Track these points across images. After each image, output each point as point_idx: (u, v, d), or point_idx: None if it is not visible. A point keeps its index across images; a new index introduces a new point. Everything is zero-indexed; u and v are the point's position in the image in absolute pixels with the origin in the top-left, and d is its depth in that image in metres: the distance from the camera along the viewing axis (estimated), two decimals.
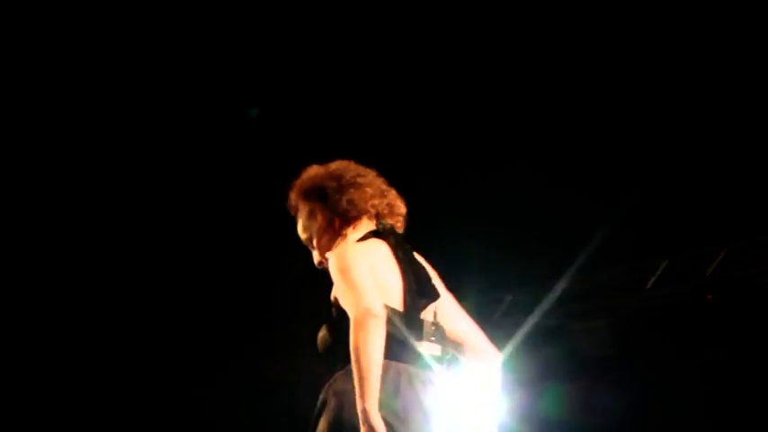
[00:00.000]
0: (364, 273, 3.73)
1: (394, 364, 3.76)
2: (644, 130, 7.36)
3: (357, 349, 3.58)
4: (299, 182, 4.04)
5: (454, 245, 7.89)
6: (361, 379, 3.57)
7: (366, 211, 3.97)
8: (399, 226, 4.07)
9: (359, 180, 3.99)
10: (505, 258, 8.32)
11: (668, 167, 7.50)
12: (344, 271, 3.74)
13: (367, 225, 4.00)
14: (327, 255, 3.87)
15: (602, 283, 8.92)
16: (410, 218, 4.03)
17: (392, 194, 4.06)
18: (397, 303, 3.85)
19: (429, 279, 3.95)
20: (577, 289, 8.92)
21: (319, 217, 4.01)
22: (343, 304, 3.71)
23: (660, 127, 7.32)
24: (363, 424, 3.59)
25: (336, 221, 3.99)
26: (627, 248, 8.38)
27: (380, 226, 3.99)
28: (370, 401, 3.58)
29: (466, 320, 4.10)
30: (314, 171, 4.05)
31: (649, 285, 8.66)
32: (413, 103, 6.20)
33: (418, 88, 6.16)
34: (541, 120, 7.27)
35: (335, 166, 4.04)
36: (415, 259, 4.00)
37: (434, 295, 3.93)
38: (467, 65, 6.46)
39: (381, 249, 3.90)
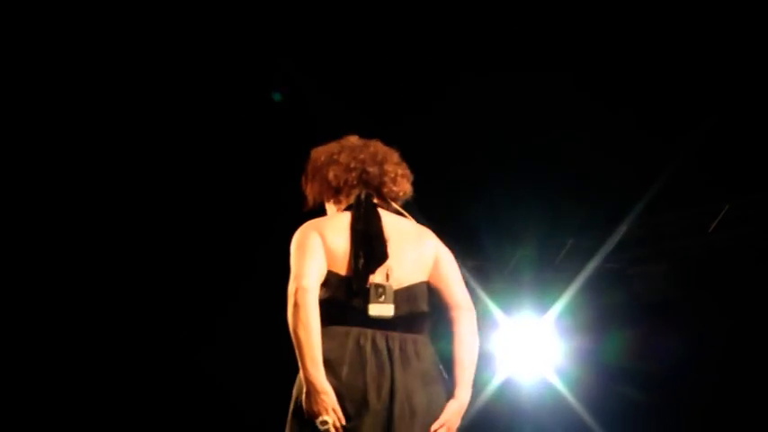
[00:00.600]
0: (307, 248, 4.03)
1: (340, 329, 4.01)
2: (707, 66, 7.23)
3: (289, 321, 3.88)
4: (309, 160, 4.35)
5: (518, 190, 7.87)
6: (298, 348, 3.87)
7: (348, 185, 4.24)
8: (388, 191, 4.28)
9: (341, 156, 4.23)
10: (568, 202, 8.27)
11: (732, 108, 7.39)
12: (292, 249, 4.05)
13: (353, 194, 4.25)
14: None
15: (664, 227, 8.86)
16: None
17: (389, 164, 4.27)
18: (344, 269, 4.06)
19: (382, 243, 4.10)
20: (639, 233, 8.88)
21: (310, 192, 4.30)
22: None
23: (724, 64, 7.18)
24: (307, 390, 3.85)
25: (327, 196, 4.28)
26: (689, 192, 8.30)
27: (356, 198, 4.22)
28: (310, 367, 3.86)
29: (449, 279, 4.21)
30: (319, 149, 4.33)
31: (711, 229, 8.59)
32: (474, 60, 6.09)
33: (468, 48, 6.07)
34: (606, 58, 7.17)
35: (336, 142, 4.33)
36: (374, 225, 4.16)
37: (381, 258, 4.08)
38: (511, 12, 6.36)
39: (342, 221, 4.15)
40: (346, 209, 4.19)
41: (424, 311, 4.14)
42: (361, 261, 4.04)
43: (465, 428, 4.02)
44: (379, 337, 4.02)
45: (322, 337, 3.91)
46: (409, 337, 4.06)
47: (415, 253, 4.16)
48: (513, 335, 9.32)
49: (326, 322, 3.95)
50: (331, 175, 4.22)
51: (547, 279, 9.33)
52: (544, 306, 9.11)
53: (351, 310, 4.02)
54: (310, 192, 4.28)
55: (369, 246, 4.08)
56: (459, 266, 4.25)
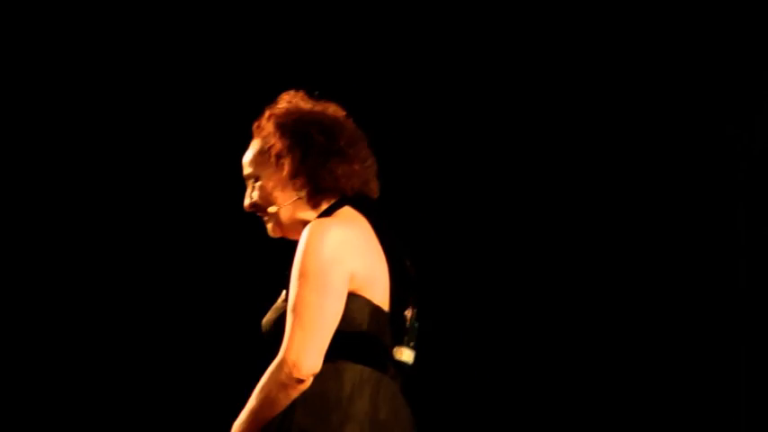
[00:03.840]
0: (329, 291, 2.84)
1: (365, 370, 2.91)
2: None
3: (264, 397, 2.83)
4: (281, 109, 3.07)
5: None
6: (251, 418, 2.85)
7: (340, 192, 3.00)
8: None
9: (349, 151, 3.02)
10: None
11: None
12: (307, 276, 2.84)
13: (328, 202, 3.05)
14: (305, 230, 2.92)
15: None
16: None
17: (371, 170, 3.08)
18: (382, 299, 2.96)
19: (410, 271, 3.07)
20: None
21: (287, 167, 3.01)
22: (289, 317, 2.85)
23: None
24: None
25: (302, 184, 3.01)
26: None
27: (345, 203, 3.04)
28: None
29: None
30: (302, 105, 3.08)
31: None
32: None
33: None
34: None
35: (330, 114, 3.08)
36: (398, 244, 3.07)
37: (412, 289, 3.05)
38: None
39: (364, 227, 2.97)
40: (325, 212, 3.01)
41: None
42: (402, 290, 3.00)
43: None
44: (395, 389, 2.99)
45: (334, 375, 2.88)
46: None
47: None
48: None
49: (340, 356, 2.89)
50: (339, 171, 2.99)
51: None
52: None
53: (380, 349, 2.95)
54: (291, 161, 3.00)
55: (402, 269, 3.02)
56: None
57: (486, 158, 5.47)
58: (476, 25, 5.48)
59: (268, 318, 2.99)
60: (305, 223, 2.95)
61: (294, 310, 2.83)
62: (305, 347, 2.80)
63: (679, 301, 5.27)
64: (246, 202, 3.09)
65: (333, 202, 3.01)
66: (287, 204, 3.03)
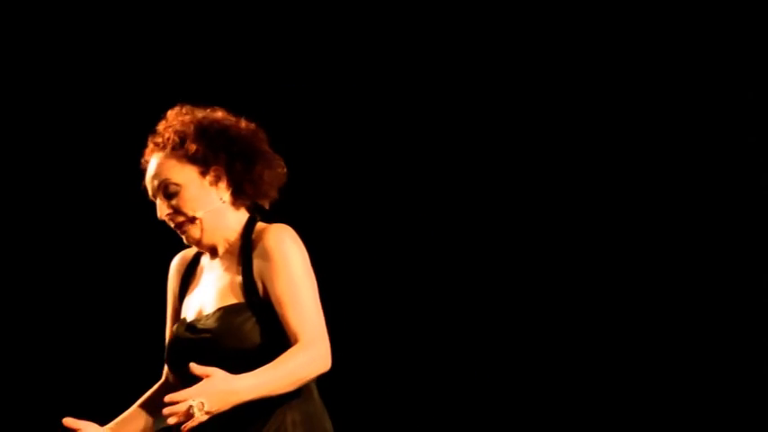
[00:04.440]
0: (314, 282, 3.00)
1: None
2: None
3: (296, 378, 2.88)
4: (197, 117, 3.07)
5: None
6: (274, 390, 2.87)
7: (260, 197, 3.09)
8: None
9: (272, 156, 3.09)
10: None
11: None
12: (298, 266, 2.96)
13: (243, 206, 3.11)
14: (276, 233, 3.00)
15: None
16: None
17: (284, 178, 3.15)
18: None
19: None
20: None
21: (212, 172, 3.04)
22: (303, 312, 2.94)
23: None
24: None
25: (224, 189, 3.05)
26: None
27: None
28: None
29: None
30: (212, 114, 3.10)
31: None
32: None
33: None
34: None
35: (244, 121, 3.12)
36: None
37: None
38: None
39: None
40: (254, 219, 3.09)
41: None
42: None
43: None
44: None
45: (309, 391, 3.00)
46: None
47: None
48: None
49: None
50: (265, 176, 3.05)
51: None
52: None
53: None
54: (216, 168, 3.02)
55: None
56: None
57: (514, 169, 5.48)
58: (479, 27, 5.47)
59: (208, 319, 2.99)
60: (226, 227, 3.04)
61: (306, 305, 2.91)
62: (326, 338, 2.92)
63: (704, 310, 5.29)
64: (164, 212, 3.06)
65: (246, 206, 3.07)
66: (210, 209, 3.03)
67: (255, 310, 2.96)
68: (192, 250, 3.20)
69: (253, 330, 2.95)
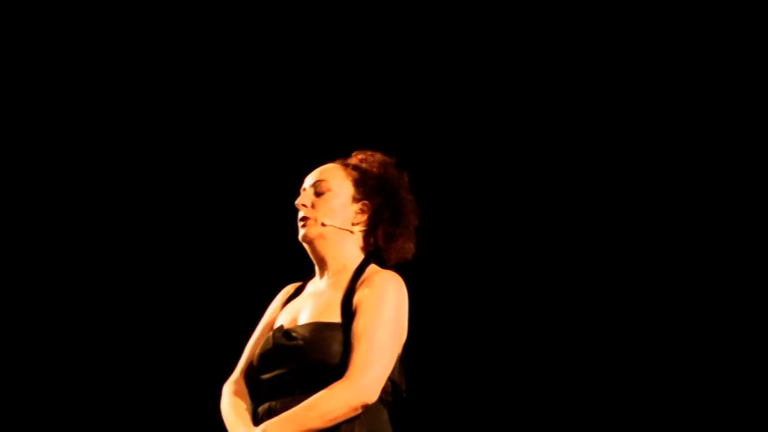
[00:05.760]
0: (401, 341, 3.19)
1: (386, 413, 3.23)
2: None
3: (329, 418, 3.03)
4: (384, 163, 3.39)
5: None
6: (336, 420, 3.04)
7: (380, 254, 3.35)
8: None
9: (411, 234, 3.37)
10: None
11: None
12: (392, 322, 3.15)
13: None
14: (387, 275, 3.24)
15: None
16: None
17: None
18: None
19: None
20: None
21: (362, 204, 3.34)
22: (365, 347, 3.10)
23: None
24: None
25: (360, 225, 3.33)
26: None
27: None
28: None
29: None
30: (398, 175, 3.39)
31: None
32: None
33: None
34: None
35: (411, 198, 3.39)
36: None
37: None
38: None
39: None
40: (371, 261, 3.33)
41: None
42: None
43: None
44: None
45: (378, 412, 3.16)
46: None
47: None
48: None
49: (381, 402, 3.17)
50: (399, 243, 3.33)
51: None
52: None
53: (397, 396, 3.26)
54: (363, 209, 3.32)
55: None
56: None
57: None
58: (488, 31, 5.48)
59: (302, 328, 3.18)
60: (340, 251, 3.30)
61: (373, 343, 3.08)
62: (379, 380, 3.07)
63: (704, 310, 5.29)
64: (305, 200, 3.32)
65: (366, 251, 3.32)
66: (338, 227, 3.29)
67: (346, 333, 3.13)
68: (300, 282, 3.44)
69: (339, 349, 3.11)
